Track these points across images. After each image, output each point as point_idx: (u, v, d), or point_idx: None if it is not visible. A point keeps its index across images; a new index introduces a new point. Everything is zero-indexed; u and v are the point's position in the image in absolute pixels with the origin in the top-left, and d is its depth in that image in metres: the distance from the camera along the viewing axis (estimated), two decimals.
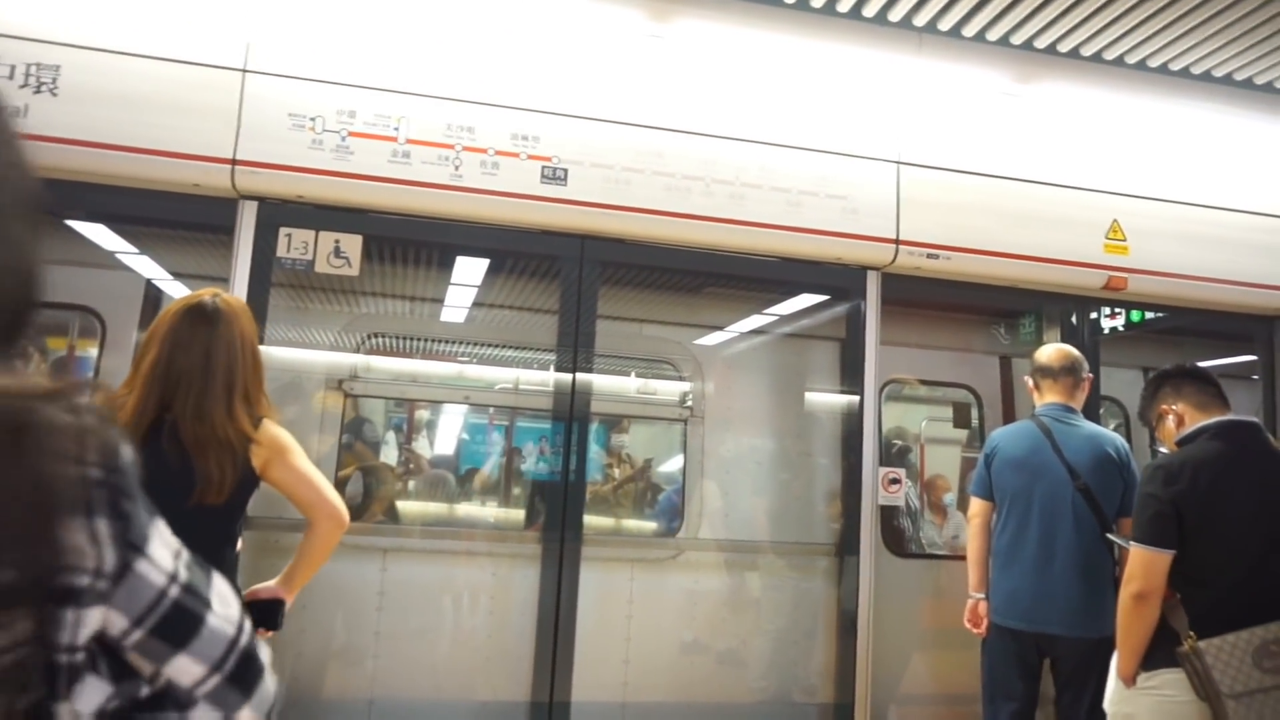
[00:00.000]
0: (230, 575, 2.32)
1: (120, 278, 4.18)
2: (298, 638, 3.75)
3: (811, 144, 3.92)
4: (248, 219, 3.51)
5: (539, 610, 3.65)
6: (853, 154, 3.96)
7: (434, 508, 4.55)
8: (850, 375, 4.06)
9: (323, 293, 4.25)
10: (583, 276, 3.79)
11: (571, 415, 3.70)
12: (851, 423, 4.03)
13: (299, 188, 3.49)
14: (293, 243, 3.55)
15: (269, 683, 0.91)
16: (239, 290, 3.45)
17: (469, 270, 4.16)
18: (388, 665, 3.87)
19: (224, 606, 0.88)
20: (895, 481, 3.97)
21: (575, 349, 3.75)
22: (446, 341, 4.63)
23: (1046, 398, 3.51)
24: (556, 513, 3.65)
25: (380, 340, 4.43)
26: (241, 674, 0.88)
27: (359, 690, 3.86)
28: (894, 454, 4.91)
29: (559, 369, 3.77)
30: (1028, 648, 3.26)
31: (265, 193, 3.50)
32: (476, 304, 4.42)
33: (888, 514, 4.23)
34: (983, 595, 3.38)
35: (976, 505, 3.41)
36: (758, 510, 4.43)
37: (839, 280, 4.06)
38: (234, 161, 3.40)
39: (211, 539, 2.22)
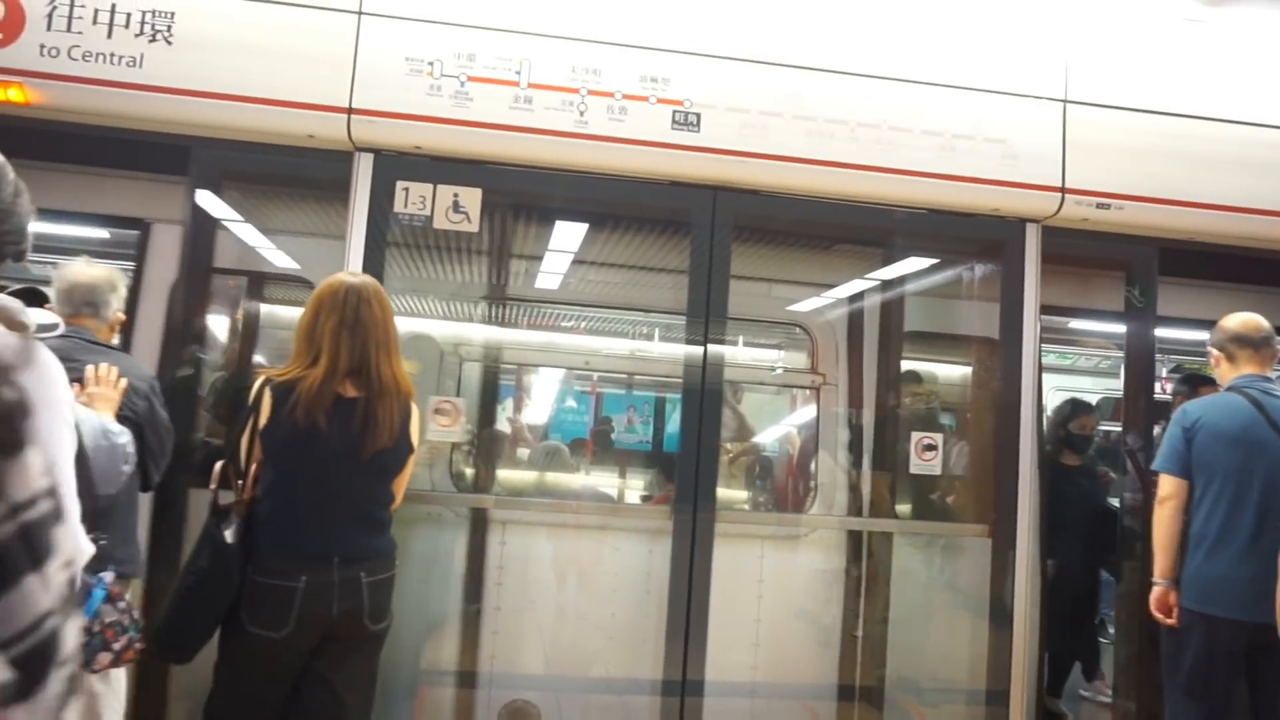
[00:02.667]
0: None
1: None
2: (418, 611, 3.62)
3: (967, 82, 3.53)
4: (364, 173, 3.32)
5: (670, 586, 3.40)
6: (1013, 92, 3.55)
7: (549, 479, 4.35)
8: (1005, 340, 3.67)
9: (432, 251, 4.07)
10: (715, 232, 3.49)
11: (703, 382, 3.42)
12: (1006, 393, 3.65)
13: (416, 137, 3.27)
14: (410, 197, 3.35)
15: (51, 691, 0.86)
16: (355, 250, 3.27)
17: (591, 227, 3.90)
18: (507, 640, 3.71)
19: (57, 581, 0.85)
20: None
21: (706, 311, 3.46)
22: (562, 304, 4.40)
23: (1243, 369, 3.11)
24: (687, 485, 3.39)
25: (492, 305, 4.23)
26: (26, 664, 0.83)
27: (476, 665, 3.72)
28: None
29: (689, 332, 3.48)
30: (1238, 640, 2.88)
31: (382, 144, 3.30)
32: (598, 263, 4.16)
33: None
34: (1171, 581, 3.02)
35: (1171, 485, 3.03)
36: (895, 486, 4.09)
37: (995, 233, 3.67)
38: (350, 110, 3.21)
39: (383, 492, 2.53)
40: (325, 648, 2.44)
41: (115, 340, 3.05)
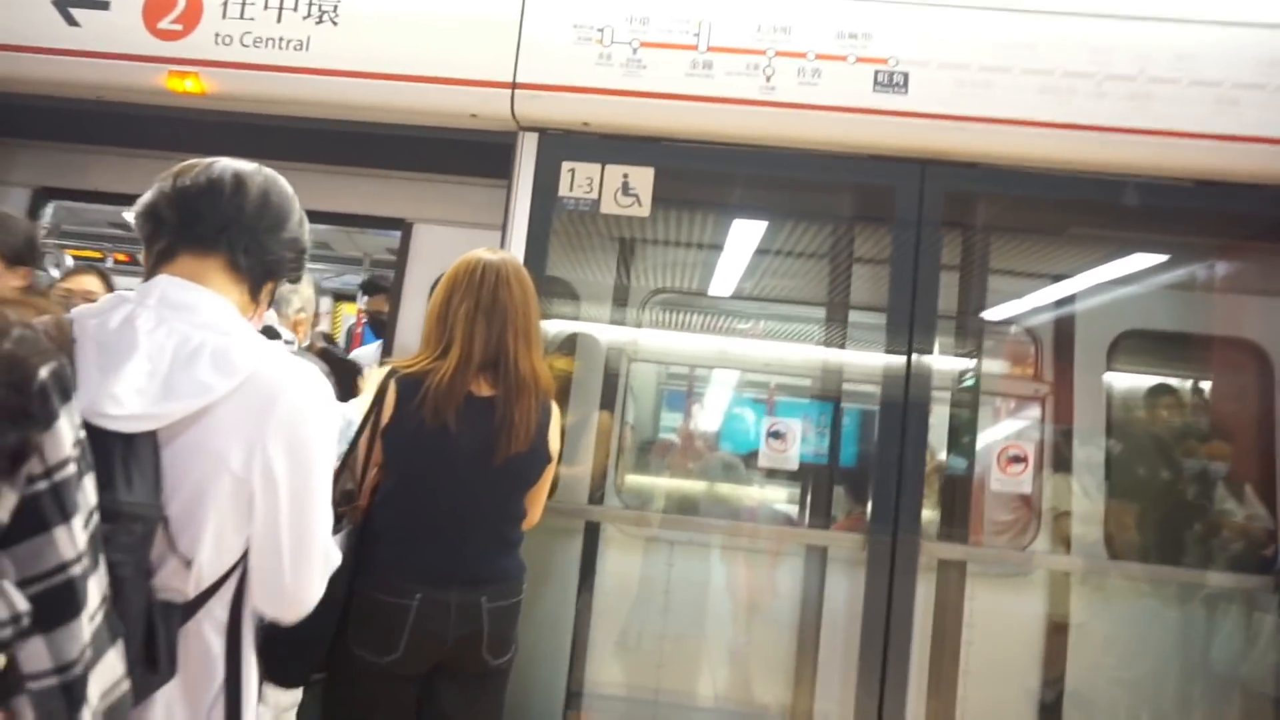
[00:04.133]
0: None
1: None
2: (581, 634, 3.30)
3: (1253, 16, 2.82)
4: (528, 153, 3.05)
5: (863, 625, 2.89)
6: None
7: (723, 494, 3.93)
8: None
9: (593, 238, 3.76)
10: (923, 213, 2.96)
11: (907, 390, 2.90)
12: None
13: (584, 112, 2.97)
14: (576, 179, 3.05)
15: (76, 634, 1.02)
16: (518, 237, 3.00)
17: (776, 209, 3.46)
18: (674, 672, 3.32)
19: (81, 536, 1.03)
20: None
21: (912, 309, 2.93)
22: (740, 300, 3.98)
23: None
24: (887, 508, 2.86)
25: (665, 302, 3.87)
26: (46, 600, 0.99)
27: (647, 695, 3.36)
28: None
29: (890, 334, 2.96)
30: None
31: (547, 121, 3.02)
32: (784, 253, 3.70)
33: None
34: None
35: None
36: (1137, 519, 3.38)
37: None
38: (514, 85, 2.95)
39: (516, 506, 2.18)
40: (440, 684, 2.11)
41: (302, 338, 3.16)
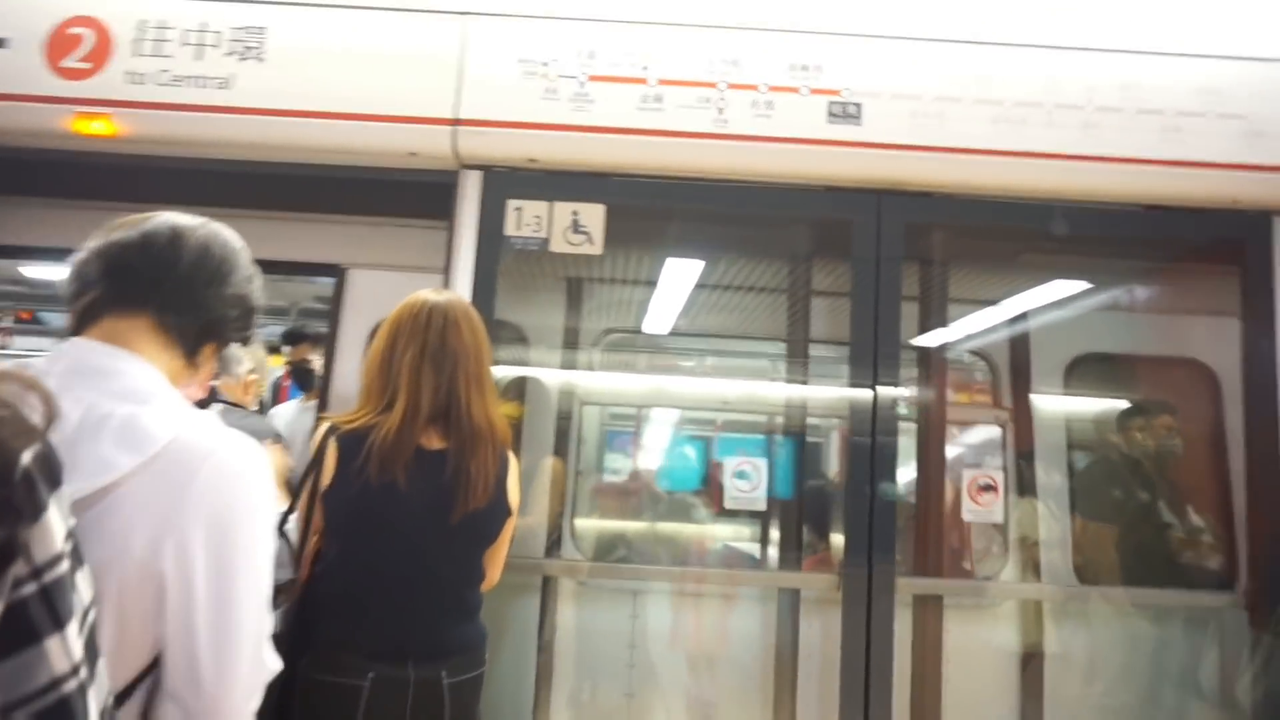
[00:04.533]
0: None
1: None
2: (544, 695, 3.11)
3: (1194, 48, 2.88)
4: (471, 192, 2.91)
5: (842, 666, 2.78)
6: (1256, 57, 2.88)
7: (686, 537, 3.80)
8: (1252, 362, 2.94)
9: (541, 279, 3.62)
10: (881, 244, 2.91)
11: (875, 419, 2.83)
12: (1256, 426, 2.91)
13: (531, 148, 2.84)
14: (523, 218, 2.91)
15: None
16: (463, 279, 2.84)
17: (731, 247, 3.38)
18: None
19: (75, 645, 0.87)
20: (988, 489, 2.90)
21: (875, 339, 2.87)
22: (697, 337, 3.88)
23: None
24: (860, 544, 2.77)
25: (618, 342, 3.75)
26: None
27: None
28: None
29: (854, 366, 2.90)
30: None
31: (491, 158, 2.89)
32: (735, 288, 3.62)
33: None
34: None
35: None
36: (1104, 543, 3.37)
37: (1230, 230, 2.96)
38: (456, 121, 2.81)
39: (474, 567, 2.02)
40: None
41: (251, 401, 3.15)
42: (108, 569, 1.07)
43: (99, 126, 2.81)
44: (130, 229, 1.29)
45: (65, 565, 0.89)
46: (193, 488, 1.12)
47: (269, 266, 3.54)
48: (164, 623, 1.11)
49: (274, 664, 1.24)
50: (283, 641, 1.82)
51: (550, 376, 3.60)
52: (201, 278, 1.28)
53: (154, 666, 1.13)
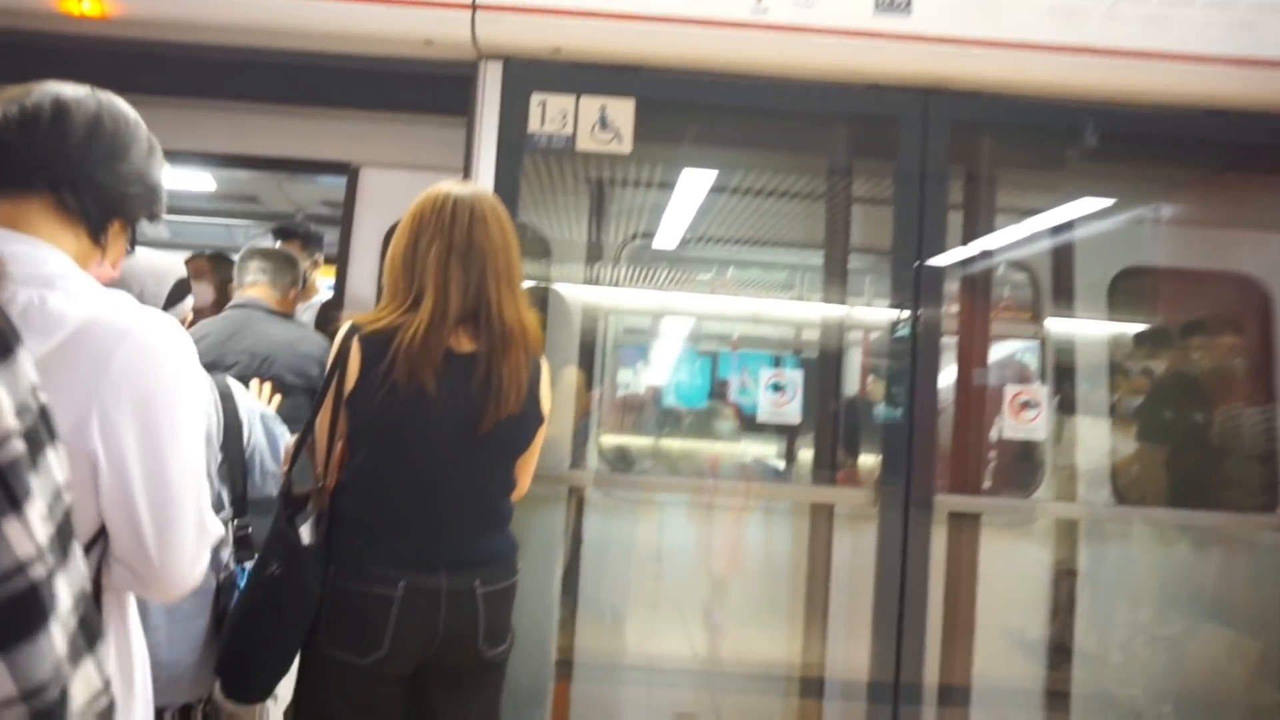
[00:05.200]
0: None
1: None
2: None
3: None
4: (491, 84, 2.72)
5: (877, 579, 2.72)
6: None
7: (707, 451, 3.72)
8: None
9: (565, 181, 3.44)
10: (928, 147, 2.74)
11: (916, 332, 2.70)
12: None
13: (555, 36, 2.65)
14: (547, 113, 2.73)
15: (45, 646, 0.81)
16: (484, 179, 2.68)
17: (764, 145, 3.19)
18: (671, 632, 3.13)
19: (40, 529, 0.83)
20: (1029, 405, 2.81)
21: (919, 249, 2.73)
22: (719, 243, 3.72)
23: None
24: (898, 461, 2.68)
25: (643, 250, 3.59)
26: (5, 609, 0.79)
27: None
28: None
29: (896, 277, 2.76)
30: None
31: (513, 48, 2.69)
32: (770, 194, 3.44)
33: None
34: None
35: None
36: (1154, 464, 3.28)
37: None
38: (474, 6, 2.60)
39: (505, 476, 1.93)
40: (430, 684, 1.85)
41: (299, 310, 3.15)
42: None
43: (87, 6, 2.61)
44: (9, 104, 1.21)
45: (19, 444, 0.83)
46: (111, 367, 1.11)
47: (276, 164, 3.46)
48: (101, 499, 1.12)
49: (216, 529, 1.26)
50: (314, 555, 1.76)
51: (572, 284, 3.46)
52: (95, 154, 1.22)
53: (98, 538, 1.16)
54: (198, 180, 4.54)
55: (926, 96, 2.73)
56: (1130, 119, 2.75)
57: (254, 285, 3.05)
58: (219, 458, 2.01)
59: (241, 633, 1.77)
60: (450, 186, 1.90)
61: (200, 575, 1.23)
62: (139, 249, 1.38)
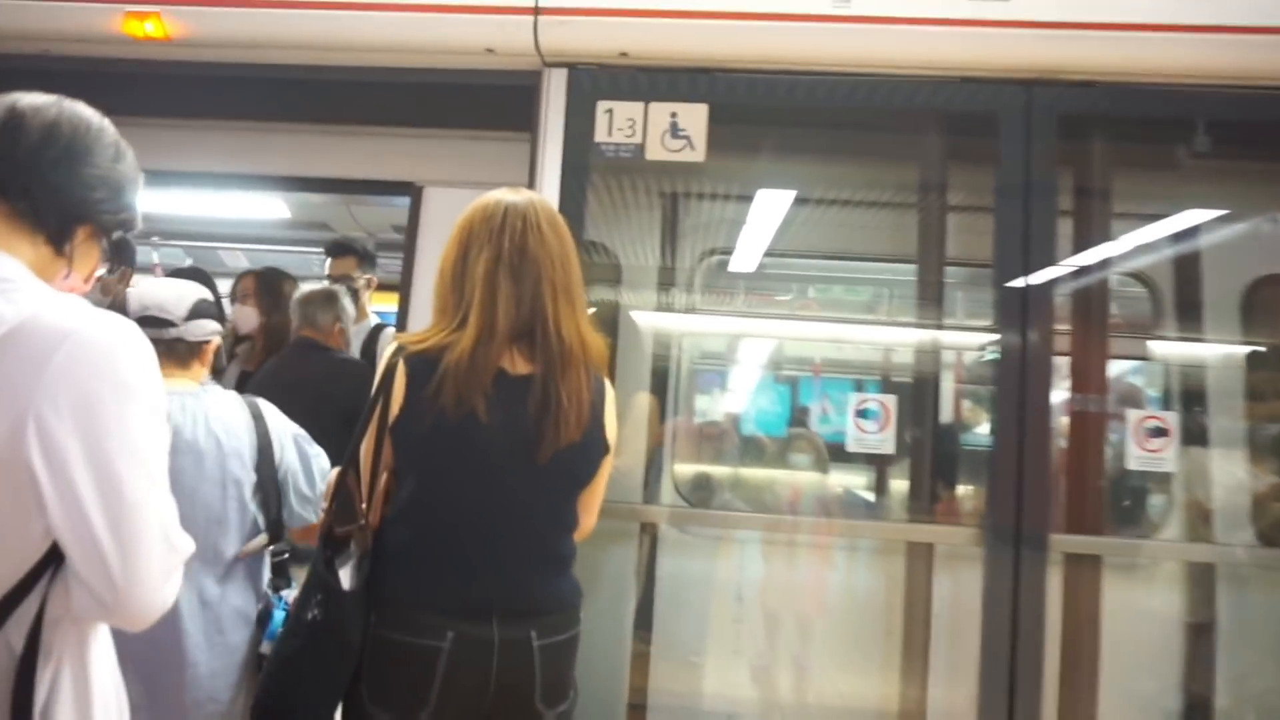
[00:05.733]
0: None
1: None
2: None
3: None
4: (556, 93, 2.58)
5: (984, 626, 2.42)
6: None
7: (789, 483, 3.46)
8: None
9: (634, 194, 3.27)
10: (1032, 144, 2.47)
11: (1024, 354, 2.42)
12: None
13: (622, 40, 2.50)
14: (615, 121, 2.57)
15: None
16: (548, 193, 2.53)
17: (859, 152, 2.96)
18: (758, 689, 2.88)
19: None
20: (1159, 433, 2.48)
21: (1025, 258, 2.45)
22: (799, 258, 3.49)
23: None
24: (1006, 494, 2.39)
25: (716, 263, 3.39)
26: None
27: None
28: None
29: (998, 291, 2.49)
30: None
31: (578, 54, 2.55)
32: (854, 204, 3.19)
33: None
34: None
35: None
36: None
37: None
38: (536, 10, 2.47)
39: (567, 511, 1.74)
40: None
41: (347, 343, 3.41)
42: None
43: (151, 27, 2.57)
44: None
45: None
46: (48, 369, 1.03)
47: (339, 185, 3.38)
48: (49, 516, 1.04)
49: (186, 546, 1.16)
50: (355, 599, 1.60)
51: (644, 304, 3.28)
52: (49, 158, 1.17)
53: (46, 563, 1.07)
54: (272, 207, 4.56)
55: (1030, 89, 2.47)
56: (1267, 105, 2.43)
57: (302, 328, 3.33)
58: (253, 479, 1.93)
59: (277, 683, 1.61)
60: (503, 193, 1.74)
61: (171, 598, 1.12)
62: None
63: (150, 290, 2.03)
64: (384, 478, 1.65)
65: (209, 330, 2.02)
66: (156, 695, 1.75)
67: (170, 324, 1.95)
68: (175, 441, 1.81)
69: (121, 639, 1.57)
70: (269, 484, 1.93)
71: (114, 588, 1.05)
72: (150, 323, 1.92)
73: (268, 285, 3.64)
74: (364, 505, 1.66)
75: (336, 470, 1.73)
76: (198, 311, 2.00)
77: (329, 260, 3.94)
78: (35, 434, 1.01)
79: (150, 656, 1.69)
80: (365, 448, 1.66)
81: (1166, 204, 2.93)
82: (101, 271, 1.30)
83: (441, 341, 1.62)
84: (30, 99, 1.20)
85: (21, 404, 1.01)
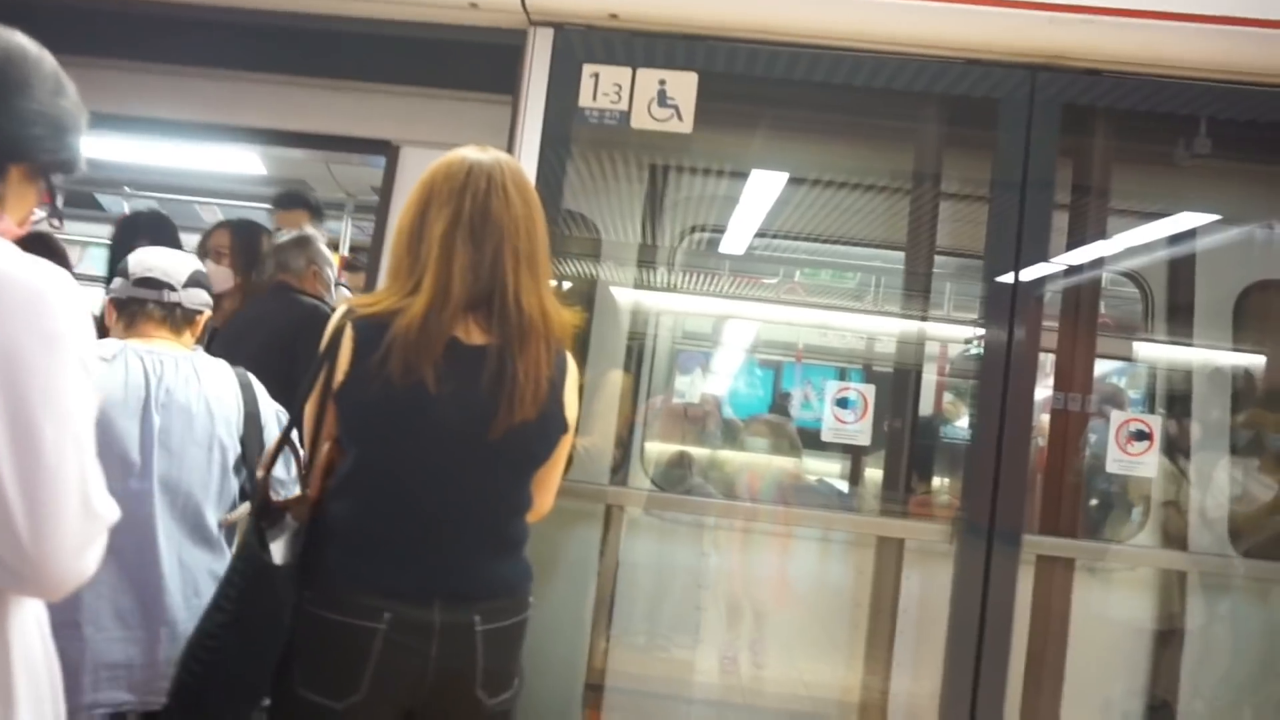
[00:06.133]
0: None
1: None
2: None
3: None
4: (540, 54, 2.47)
5: (952, 619, 2.38)
6: None
7: (763, 469, 3.39)
8: None
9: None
10: (1032, 133, 2.39)
11: (1010, 343, 2.35)
12: None
13: (612, 2, 2.38)
14: (600, 86, 2.47)
15: None
16: (528, 158, 2.43)
17: (852, 132, 2.86)
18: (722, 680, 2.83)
19: None
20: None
21: (1018, 248, 2.38)
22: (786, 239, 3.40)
23: None
24: (981, 491, 2.33)
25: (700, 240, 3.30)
26: None
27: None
28: None
29: (989, 279, 2.41)
30: None
31: (565, 13, 2.44)
32: (844, 186, 3.10)
33: None
34: None
35: None
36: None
37: None
38: None
39: (519, 492, 1.64)
40: None
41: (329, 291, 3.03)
42: None
43: None
44: None
45: None
46: None
47: (314, 140, 3.26)
48: None
49: (109, 513, 1.07)
50: (287, 575, 1.51)
51: (620, 279, 3.19)
52: None
53: None
54: (247, 162, 4.41)
55: (1034, 74, 2.38)
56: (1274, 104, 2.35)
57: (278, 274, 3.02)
58: (238, 449, 1.94)
59: (198, 660, 1.52)
60: (468, 151, 1.63)
61: (90, 568, 1.04)
62: None
63: (152, 254, 2.05)
64: (326, 447, 1.56)
65: (203, 301, 2.04)
66: (138, 651, 1.77)
67: (171, 288, 1.98)
68: (167, 400, 1.84)
69: (114, 591, 1.66)
70: (253, 456, 1.91)
71: (24, 555, 0.97)
72: (151, 284, 1.96)
73: (244, 241, 3.31)
74: (303, 474, 1.57)
75: (275, 438, 1.64)
76: (194, 281, 2.03)
77: (276, 213, 3.65)
78: None
79: (136, 610, 1.76)
80: (308, 414, 1.56)
81: (1165, 202, 2.86)
82: (39, 215, 1.22)
83: (393, 306, 1.52)
84: None
85: None
